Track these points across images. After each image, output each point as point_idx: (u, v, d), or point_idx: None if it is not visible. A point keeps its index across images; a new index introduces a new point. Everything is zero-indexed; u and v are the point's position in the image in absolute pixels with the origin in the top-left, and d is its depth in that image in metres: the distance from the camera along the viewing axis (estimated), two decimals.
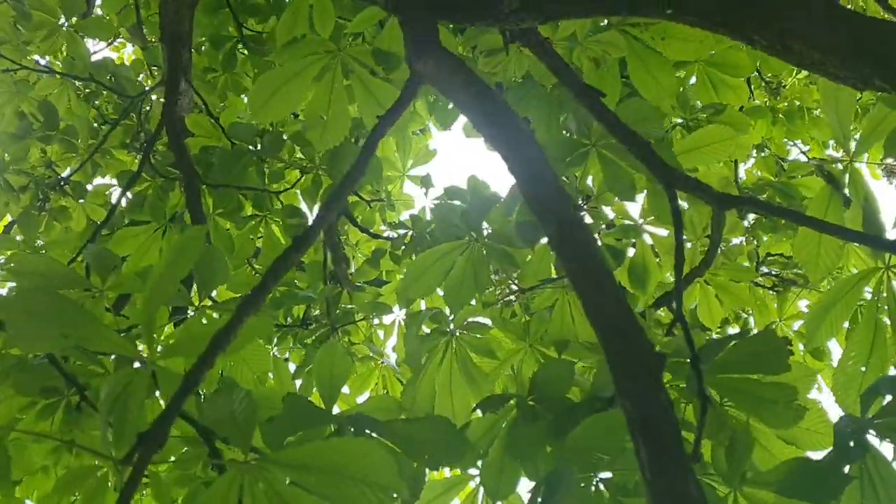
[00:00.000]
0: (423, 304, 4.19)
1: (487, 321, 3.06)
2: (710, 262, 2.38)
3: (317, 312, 4.38)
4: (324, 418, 2.16)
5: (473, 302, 2.91)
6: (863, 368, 2.11)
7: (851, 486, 1.87)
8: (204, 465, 2.59)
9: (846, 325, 2.24)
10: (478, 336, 2.96)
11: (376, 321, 4.31)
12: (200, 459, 2.43)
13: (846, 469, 1.86)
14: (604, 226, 2.79)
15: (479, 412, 2.83)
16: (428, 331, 2.94)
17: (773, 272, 3.77)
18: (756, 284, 3.63)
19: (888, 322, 2.20)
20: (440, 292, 3.01)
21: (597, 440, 1.84)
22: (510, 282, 2.95)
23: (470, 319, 3.13)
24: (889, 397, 1.87)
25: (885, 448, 2.00)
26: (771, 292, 3.65)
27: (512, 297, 2.94)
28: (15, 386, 2.38)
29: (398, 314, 4.27)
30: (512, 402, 2.79)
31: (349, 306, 4.26)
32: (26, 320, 1.29)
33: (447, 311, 2.93)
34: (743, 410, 1.94)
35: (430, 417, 2.53)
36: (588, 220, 2.94)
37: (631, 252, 2.85)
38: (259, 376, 2.73)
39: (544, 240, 3.01)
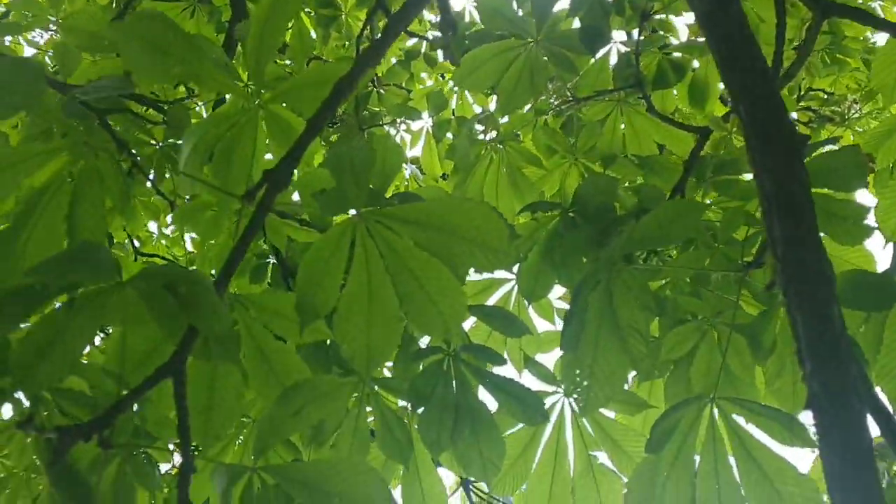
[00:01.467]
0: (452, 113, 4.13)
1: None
2: (793, 75, 2.33)
3: (342, 111, 4.28)
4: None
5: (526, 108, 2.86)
6: None
7: None
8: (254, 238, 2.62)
9: None
10: (525, 145, 2.94)
11: (403, 126, 4.24)
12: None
13: None
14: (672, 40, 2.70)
15: (522, 217, 2.87)
16: (478, 131, 2.91)
17: (812, 108, 3.73)
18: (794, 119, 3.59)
19: None
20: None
21: (665, 225, 1.84)
22: (566, 90, 2.89)
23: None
24: None
25: None
26: (806, 127, 3.63)
27: (565, 107, 2.88)
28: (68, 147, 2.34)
29: (426, 121, 4.20)
30: (555, 211, 2.81)
31: (376, 109, 4.17)
32: (141, 46, 1.23)
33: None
34: None
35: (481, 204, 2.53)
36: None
37: (696, 64, 2.79)
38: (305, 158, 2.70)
39: (606, 48, 2.92)
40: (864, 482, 1.02)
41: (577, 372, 1.88)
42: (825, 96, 3.76)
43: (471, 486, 3.93)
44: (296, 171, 1.45)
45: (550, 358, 4.00)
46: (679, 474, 1.92)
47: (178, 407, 1.21)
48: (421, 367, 2.56)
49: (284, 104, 1.46)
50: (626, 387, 2.70)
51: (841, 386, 1.06)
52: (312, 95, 1.35)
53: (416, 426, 2.54)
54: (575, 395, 1.91)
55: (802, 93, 3.77)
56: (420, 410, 2.47)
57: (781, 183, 1.16)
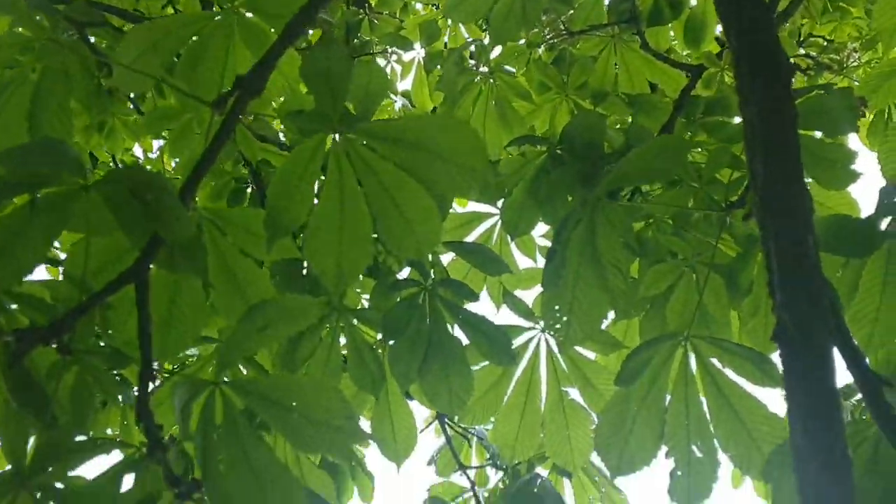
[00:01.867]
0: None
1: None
2: (791, 13, 2.27)
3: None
4: None
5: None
6: None
7: (880, 251, 1.92)
8: (234, 162, 2.57)
9: None
10: (516, 77, 2.88)
11: (394, 57, 4.15)
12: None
13: (883, 225, 1.91)
14: None
15: (509, 151, 2.83)
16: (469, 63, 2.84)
17: (811, 55, 3.67)
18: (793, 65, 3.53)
19: None
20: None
21: (650, 160, 1.81)
22: (559, 23, 2.81)
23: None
24: None
25: None
26: (803, 74, 3.57)
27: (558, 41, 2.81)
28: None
29: (418, 52, 4.11)
30: (542, 147, 2.76)
31: (367, 38, 4.07)
32: None
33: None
34: None
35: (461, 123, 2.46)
36: None
37: (693, 2, 2.72)
38: (291, 85, 2.64)
39: None
40: (827, 414, 1.01)
41: (557, 308, 1.87)
42: (825, 43, 3.70)
43: (446, 420, 3.97)
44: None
45: (531, 294, 4.00)
46: (649, 410, 1.93)
47: (139, 315, 1.18)
48: (397, 299, 2.55)
49: (259, 11, 1.40)
50: (603, 325, 2.71)
51: (810, 318, 1.05)
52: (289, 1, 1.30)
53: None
54: (554, 331, 1.90)
55: (802, 38, 3.70)
56: (392, 343, 2.47)
57: (767, 113, 1.13)
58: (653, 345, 1.96)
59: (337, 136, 1.32)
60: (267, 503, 1.24)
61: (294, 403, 1.23)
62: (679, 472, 1.91)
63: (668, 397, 1.95)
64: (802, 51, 3.73)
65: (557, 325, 1.85)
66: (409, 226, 1.34)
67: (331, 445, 1.23)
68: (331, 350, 2.54)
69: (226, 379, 1.28)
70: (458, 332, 2.54)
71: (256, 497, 1.24)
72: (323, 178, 1.35)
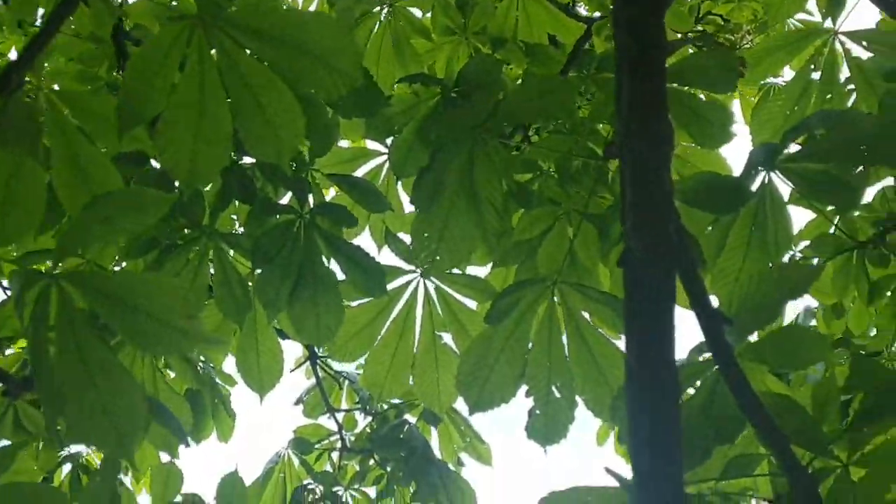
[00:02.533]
0: None
1: None
2: None
3: None
4: None
5: None
6: (787, 112, 2.18)
7: (745, 212, 2.00)
8: (110, 67, 2.41)
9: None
10: (416, 14, 2.81)
11: None
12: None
13: (753, 187, 1.99)
14: None
15: (400, 88, 2.77)
16: None
17: (706, 31, 3.76)
18: (687, 39, 3.61)
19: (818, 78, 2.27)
20: None
21: (534, 99, 1.80)
22: None
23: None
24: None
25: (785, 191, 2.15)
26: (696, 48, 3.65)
27: None
28: None
29: None
30: (436, 87, 2.71)
31: None
32: None
33: None
34: (678, 123, 1.97)
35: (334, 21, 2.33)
36: None
37: None
38: None
39: None
40: (662, 339, 1.03)
41: (427, 235, 1.85)
42: (722, 23, 3.80)
43: (318, 362, 3.92)
44: None
45: None
46: (513, 350, 1.95)
47: None
48: (271, 225, 2.47)
49: None
50: (482, 274, 2.72)
51: (657, 244, 1.06)
52: None
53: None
54: (420, 259, 1.88)
55: (700, 15, 3.79)
56: (261, 270, 2.40)
57: (636, 38, 1.12)
58: (522, 287, 1.97)
59: (200, 20, 1.22)
60: (101, 403, 1.16)
61: (135, 302, 1.16)
62: (538, 412, 1.94)
63: (532, 339, 1.97)
64: (700, 27, 3.82)
65: (424, 253, 1.83)
66: (270, 127, 1.27)
67: (171, 346, 1.17)
68: (197, 273, 2.44)
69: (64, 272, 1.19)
70: (334, 266, 2.49)
71: (89, 396, 1.17)
72: (183, 66, 1.26)
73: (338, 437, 4.11)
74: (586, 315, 1.96)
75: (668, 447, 1.00)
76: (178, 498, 2.69)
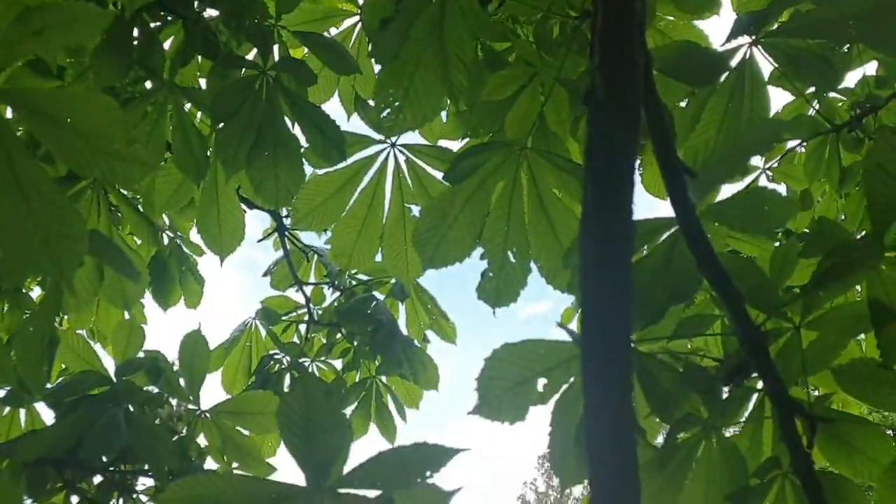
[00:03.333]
0: None
1: None
2: None
3: None
4: None
5: None
6: None
7: (722, 87, 1.93)
8: None
9: None
10: None
11: None
12: None
13: (733, 63, 1.92)
14: None
15: None
16: None
17: None
18: None
19: None
20: None
21: None
22: None
23: None
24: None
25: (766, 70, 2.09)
26: None
27: None
28: None
29: None
30: None
31: None
32: None
33: None
34: None
35: None
36: None
37: None
38: None
39: None
40: (620, 179, 0.99)
41: (392, 91, 1.77)
42: None
43: (286, 234, 3.88)
44: None
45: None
46: (472, 210, 1.91)
47: None
48: (232, 80, 2.37)
49: None
50: (455, 147, 2.66)
51: (623, 81, 1.00)
52: None
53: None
54: (384, 116, 1.81)
55: None
56: (221, 126, 2.31)
57: None
58: (487, 149, 1.92)
59: None
60: (40, 230, 1.11)
61: (70, 120, 1.09)
62: (490, 274, 1.93)
63: (493, 202, 1.93)
64: None
65: (388, 110, 1.76)
66: None
67: (108, 170, 1.11)
68: (155, 126, 2.35)
69: None
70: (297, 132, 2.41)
71: (24, 220, 1.11)
72: None
73: (305, 310, 4.12)
74: (550, 183, 1.92)
75: (619, 306, 0.98)
76: (140, 354, 2.68)
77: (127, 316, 3.06)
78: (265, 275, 4.11)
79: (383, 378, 4.28)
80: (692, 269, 1.31)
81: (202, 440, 2.81)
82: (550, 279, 1.91)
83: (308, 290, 4.12)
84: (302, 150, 2.37)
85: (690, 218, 1.15)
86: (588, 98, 1.01)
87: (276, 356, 4.09)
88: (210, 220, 2.52)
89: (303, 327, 4.22)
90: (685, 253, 1.31)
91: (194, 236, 4.11)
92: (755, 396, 1.43)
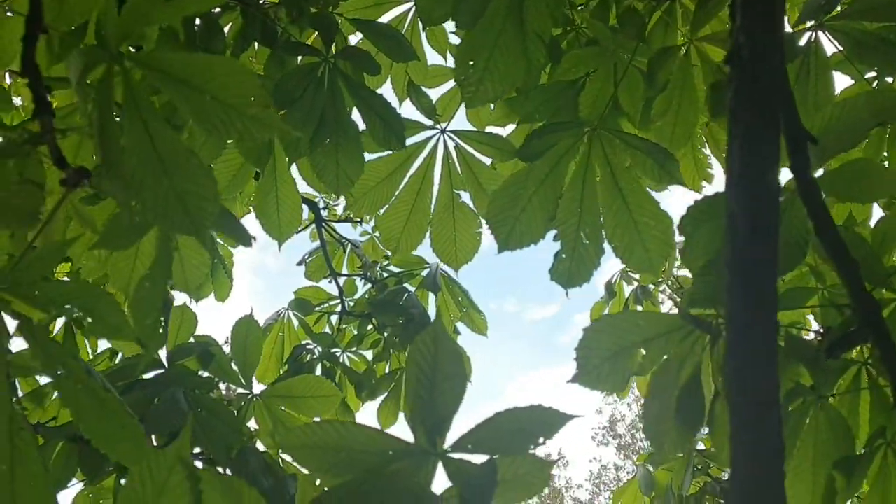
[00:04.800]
0: None
1: None
2: None
3: None
4: None
5: None
6: None
7: (790, 69, 1.95)
8: None
9: None
10: None
11: None
12: None
13: (801, 43, 1.95)
14: None
15: None
16: None
17: None
18: None
19: None
20: None
21: None
22: None
23: None
24: None
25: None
26: None
27: None
28: None
29: None
30: None
31: None
32: None
33: None
34: None
35: None
36: None
37: None
38: None
39: None
40: (767, 140, 1.00)
41: (472, 63, 1.78)
42: None
43: (323, 225, 3.90)
44: None
45: (436, 94, 3.85)
46: (545, 192, 1.93)
47: None
48: (294, 66, 2.39)
49: None
50: (504, 133, 2.68)
51: (766, 44, 1.02)
52: None
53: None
54: (464, 87, 1.82)
55: None
56: (283, 112, 2.33)
57: None
58: (561, 128, 1.94)
59: None
60: (175, 190, 1.13)
61: (205, 84, 1.10)
62: (563, 255, 1.94)
63: (566, 182, 1.95)
64: None
65: (469, 81, 1.77)
66: None
67: (242, 133, 1.12)
68: None
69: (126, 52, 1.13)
70: (354, 116, 2.42)
71: (160, 182, 1.13)
72: None
73: (338, 301, 4.14)
74: (623, 162, 1.94)
75: (769, 273, 0.99)
76: (191, 339, 2.69)
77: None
78: (300, 263, 4.12)
79: None
80: (798, 238, 1.33)
81: (252, 424, 2.82)
82: (626, 259, 1.92)
83: (341, 281, 4.14)
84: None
85: (812, 186, 1.17)
86: (731, 58, 1.03)
87: (309, 346, 4.10)
88: (269, 206, 2.53)
89: (335, 318, 4.24)
90: (792, 222, 1.33)
91: None
92: (851, 368, 1.45)
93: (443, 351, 1.18)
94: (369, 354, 4.27)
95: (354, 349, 4.26)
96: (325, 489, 1.19)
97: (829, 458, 1.35)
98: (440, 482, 1.34)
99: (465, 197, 2.74)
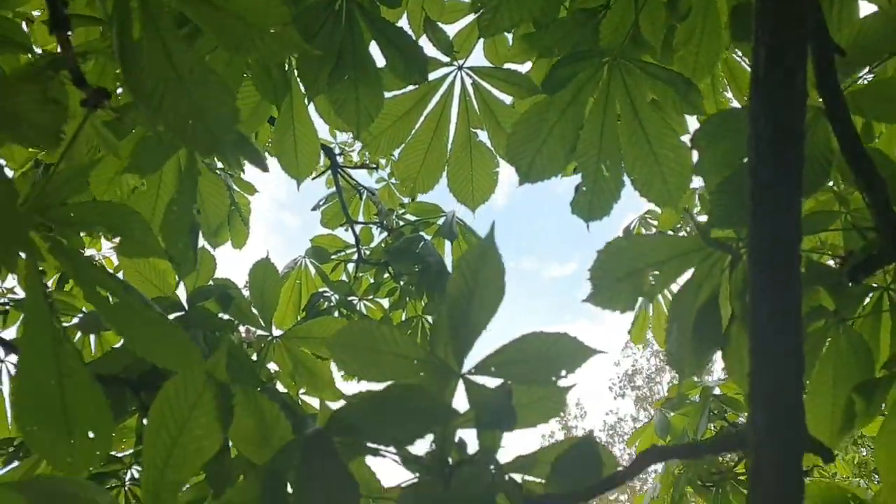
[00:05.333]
0: None
1: None
2: None
3: None
4: None
5: None
6: None
7: None
8: None
9: None
10: None
11: None
12: None
13: None
14: None
15: None
16: None
17: None
18: None
19: None
20: None
21: None
22: None
23: None
24: None
25: None
26: None
27: None
28: None
29: None
30: None
31: None
32: None
33: None
34: None
35: None
36: None
37: None
38: None
39: None
40: (794, 47, 0.98)
41: None
42: None
43: (339, 171, 3.89)
44: None
45: (452, 30, 3.81)
46: (566, 123, 1.91)
47: None
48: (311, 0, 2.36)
49: None
50: (523, 70, 2.64)
51: None
52: None
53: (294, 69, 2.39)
54: (479, 14, 1.80)
55: None
56: None
57: None
58: (581, 58, 1.91)
59: None
60: (195, 108, 1.13)
61: (227, 3, 1.09)
62: (584, 188, 1.93)
63: (586, 114, 1.93)
64: None
65: (486, 7, 1.75)
66: None
67: (263, 52, 1.12)
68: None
69: None
70: (373, 51, 2.40)
71: (181, 100, 1.13)
72: None
73: (354, 249, 4.15)
74: (644, 93, 1.91)
75: (792, 181, 0.98)
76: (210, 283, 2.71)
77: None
78: (315, 209, 4.13)
79: (429, 318, 4.31)
80: (822, 158, 1.31)
81: (272, 366, 2.85)
82: (645, 191, 1.91)
83: (357, 229, 4.15)
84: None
85: (838, 100, 1.15)
86: None
87: (326, 294, 4.13)
88: (287, 144, 2.52)
89: (351, 266, 4.26)
90: (816, 142, 1.31)
91: (245, 175, 4.15)
92: (872, 294, 1.44)
93: (488, 265, 1.19)
94: (386, 303, 4.29)
95: (371, 297, 4.29)
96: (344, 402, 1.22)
97: (849, 381, 1.35)
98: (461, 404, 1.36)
99: (483, 136, 2.73)
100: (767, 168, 0.97)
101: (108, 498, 1.13)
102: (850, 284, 1.38)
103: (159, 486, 1.12)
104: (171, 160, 1.62)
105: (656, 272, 1.45)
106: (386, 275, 4.31)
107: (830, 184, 1.53)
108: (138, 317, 1.23)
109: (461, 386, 1.32)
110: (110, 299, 1.22)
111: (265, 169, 1.68)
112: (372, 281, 4.35)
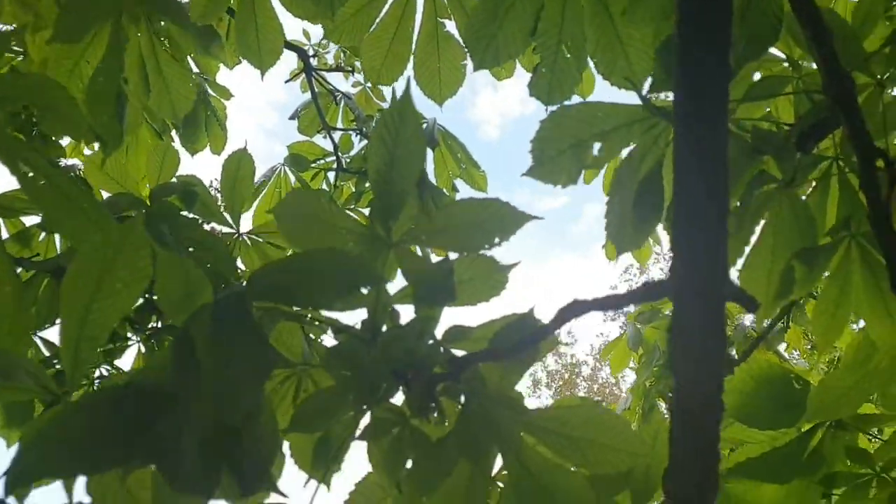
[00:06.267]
0: None
1: None
2: None
3: None
4: None
5: None
6: None
7: None
8: None
9: None
10: None
11: None
12: None
13: None
14: None
15: None
16: None
17: None
18: None
19: None
20: None
21: None
22: None
23: None
24: None
25: None
26: None
27: None
28: None
29: None
30: None
31: None
32: None
33: None
34: None
35: None
36: None
37: None
38: None
39: None
40: None
41: None
42: None
43: (313, 74, 3.79)
44: None
45: None
46: (524, 3, 1.83)
47: None
48: None
49: None
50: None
51: None
52: None
53: None
54: None
55: None
56: None
57: None
58: None
59: None
60: None
61: None
62: (543, 69, 1.86)
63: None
64: None
65: None
66: None
67: None
68: None
69: None
70: None
71: None
72: None
73: (333, 157, 4.08)
74: None
75: (719, 51, 0.92)
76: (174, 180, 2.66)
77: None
78: (292, 118, 4.04)
79: None
80: (771, 13, 1.24)
81: (239, 264, 2.82)
82: (608, 73, 1.83)
83: (336, 136, 4.07)
84: None
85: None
86: None
87: None
88: (249, 35, 2.44)
89: (332, 175, 4.20)
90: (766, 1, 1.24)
91: (220, 78, 4.05)
92: (822, 164, 1.39)
93: (406, 124, 1.14)
94: (367, 212, 4.25)
95: (352, 206, 4.24)
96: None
97: (789, 248, 1.31)
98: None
99: (451, 27, 2.63)
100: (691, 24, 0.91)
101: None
102: (799, 155, 1.34)
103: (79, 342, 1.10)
104: (102, 30, 1.55)
105: (599, 144, 1.40)
106: (367, 184, 4.25)
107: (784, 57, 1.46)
108: (65, 201, 1.19)
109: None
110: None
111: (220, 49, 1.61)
112: (353, 190, 4.29)
